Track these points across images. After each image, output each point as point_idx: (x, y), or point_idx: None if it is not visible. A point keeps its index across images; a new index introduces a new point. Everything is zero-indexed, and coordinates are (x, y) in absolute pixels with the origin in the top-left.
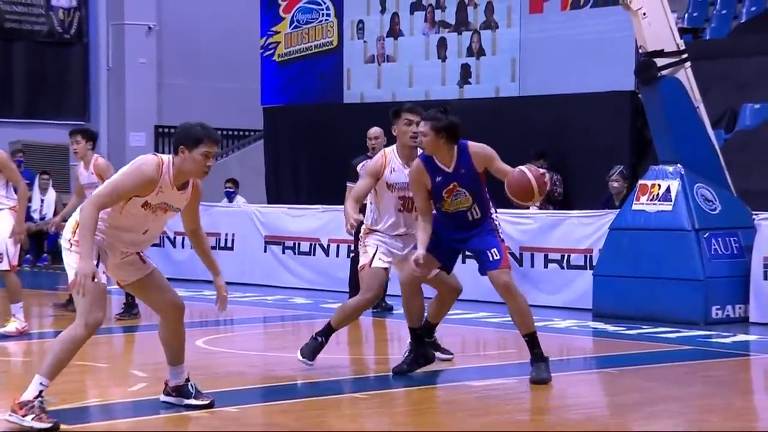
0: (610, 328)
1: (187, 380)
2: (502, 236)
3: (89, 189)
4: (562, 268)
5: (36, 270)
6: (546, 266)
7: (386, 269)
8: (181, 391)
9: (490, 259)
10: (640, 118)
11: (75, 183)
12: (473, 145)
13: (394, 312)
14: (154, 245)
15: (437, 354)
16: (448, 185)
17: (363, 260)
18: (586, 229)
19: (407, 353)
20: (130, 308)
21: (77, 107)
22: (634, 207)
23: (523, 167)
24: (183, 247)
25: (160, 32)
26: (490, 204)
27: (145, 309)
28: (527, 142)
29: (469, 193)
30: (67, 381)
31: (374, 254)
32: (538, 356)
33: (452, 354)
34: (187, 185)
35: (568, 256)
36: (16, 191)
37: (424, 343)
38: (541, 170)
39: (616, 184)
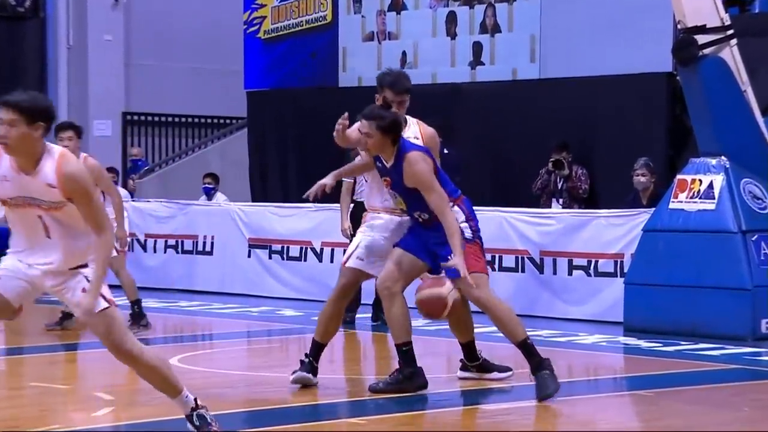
0: (643, 344)
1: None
2: (471, 236)
3: None
4: (589, 275)
5: None
6: (570, 273)
7: (362, 271)
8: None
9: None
10: (678, 104)
11: None
12: (410, 159)
13: None
14: None
15: (494, 374)
16: (384, 177)
17: (345, 255)
18: (616, 230)
19: (394, 372)
20: (140, 318)
21: (33, 90)
22: (672, 205)
23: (435, 289)
24: (155, 251)
25: (128, 5)
26: (446, 204)
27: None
28: (548, 131)
29: (400, 197)
30: (22, 405)
31: (353, 252)
32: (537, 364)
33: (510, 370)
34: (40, 166)
35: (596, 262)
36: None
37: (414, 364)
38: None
39: (642, 179)
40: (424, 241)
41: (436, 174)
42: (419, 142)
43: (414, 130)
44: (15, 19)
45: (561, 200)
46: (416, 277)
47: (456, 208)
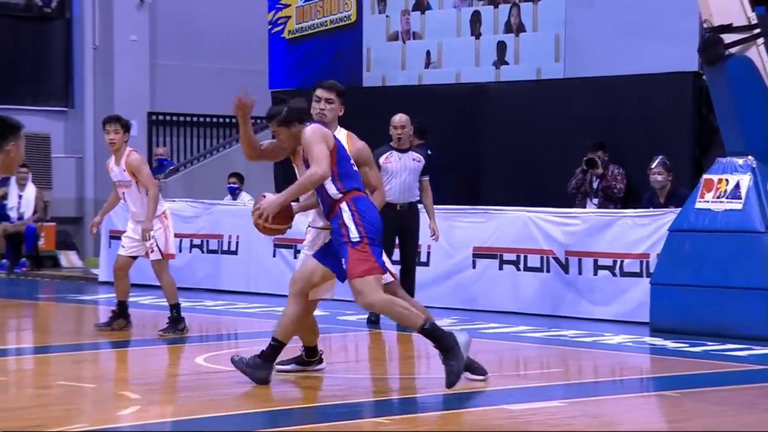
0: (669, 344)
1: None
2: (359, 238)
3: (120, 187)
4: (615, 275)
5: (14, 277)
6: (596, 273)
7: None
8: None
9: (344, 266)
10: (704, 104)
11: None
12: (303, 133)
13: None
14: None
15: (468, 375)
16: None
17: None
18: (642, 230)
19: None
20: (177, 322)
21: (59, 91)
22: (698, 205)
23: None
24: (180, 251)
25: (153, 6)
26: (333, 189)
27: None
28: (573, 131)
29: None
30: (50, 404)
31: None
32: (442, 349)
33: (486, 374)
34: None
35: (621, 262)
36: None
37: (272, 361)
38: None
39: (659, 178)
40: (332, 248)
41: (334, 160)
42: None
43: (340, 139)
44: (41, 20)
45: (596, 200)
46: (320, 282)
47: (343, 204)
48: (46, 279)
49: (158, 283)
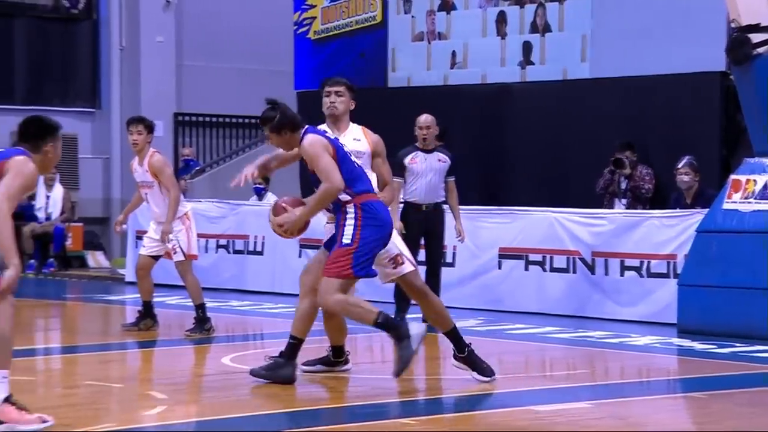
0: (697, 345)
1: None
2: (349, 241)
3: (143, 187)
4: (641, 276)
5: (41, 277)
6: (622, 274)
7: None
8: None
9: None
10: (731, 103)
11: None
12: (303, 144)
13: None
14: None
15: (476, 375)
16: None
17: None
18: (669, 231)
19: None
20: (203, 322)
21: (86, 92)
22: (726, 206)
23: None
24: (206, 251)
25: (179, 6)
26: (346, 200)
27: (161, 321)
28: (599, 131)
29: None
30: (77, 403)
31: None
32: (395, 338)
33: (494, 375)
34: None
35: (648, 263)
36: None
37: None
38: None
39: (686, 178)
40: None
41: (338, 163)
42: (362, 145)
43: (356, 134)
44: (69, 21)
45: (624, 200)
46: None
47: (351, 206)
48: (74, 279)
49: (184, 284)
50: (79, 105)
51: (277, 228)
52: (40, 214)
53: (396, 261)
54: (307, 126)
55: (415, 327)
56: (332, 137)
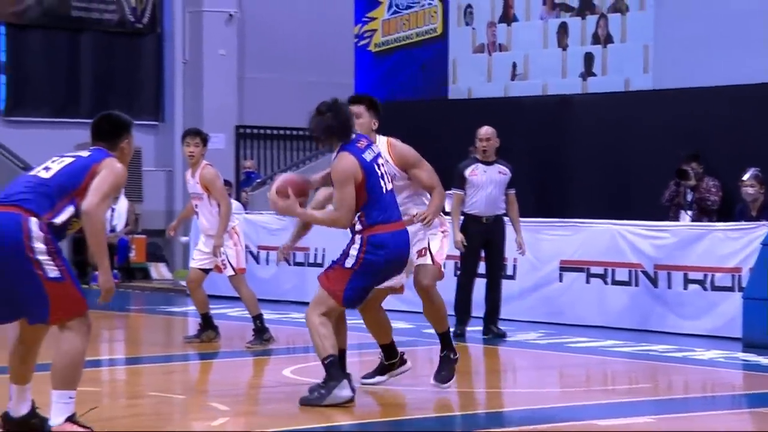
0: (762, 360)
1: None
2: (352, 264)
3: (193, 199)
4: (705, 289)
5: None
6: (686, 287)
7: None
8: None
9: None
10: None
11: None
12: (336, 163)
13: (507, 339)
14: None
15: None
16: None
17: None
18: (734, 244)
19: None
20: (262, 332)
21: (150, 105)
22: None
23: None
24: (267, 263)
25: (241, 20)
26: (356, 219)
27: (223, 333)
28: (662, 143)
29: None
30: (140, 414)
31: None
32: (324, 380)
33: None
34: None
35: (713, 276)
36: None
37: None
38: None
39: (750, 190)
40: None
41: (363, 193)
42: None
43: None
44: (134, 35)
45: (690, 212)
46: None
47: (358, 237)
48: (137, 291)
49: (239, 297)
50: (143, 118)
51: (270, 203)
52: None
53: (420, 252)
54: (342, 143)
55: (344, 391)
56: (368, 159)
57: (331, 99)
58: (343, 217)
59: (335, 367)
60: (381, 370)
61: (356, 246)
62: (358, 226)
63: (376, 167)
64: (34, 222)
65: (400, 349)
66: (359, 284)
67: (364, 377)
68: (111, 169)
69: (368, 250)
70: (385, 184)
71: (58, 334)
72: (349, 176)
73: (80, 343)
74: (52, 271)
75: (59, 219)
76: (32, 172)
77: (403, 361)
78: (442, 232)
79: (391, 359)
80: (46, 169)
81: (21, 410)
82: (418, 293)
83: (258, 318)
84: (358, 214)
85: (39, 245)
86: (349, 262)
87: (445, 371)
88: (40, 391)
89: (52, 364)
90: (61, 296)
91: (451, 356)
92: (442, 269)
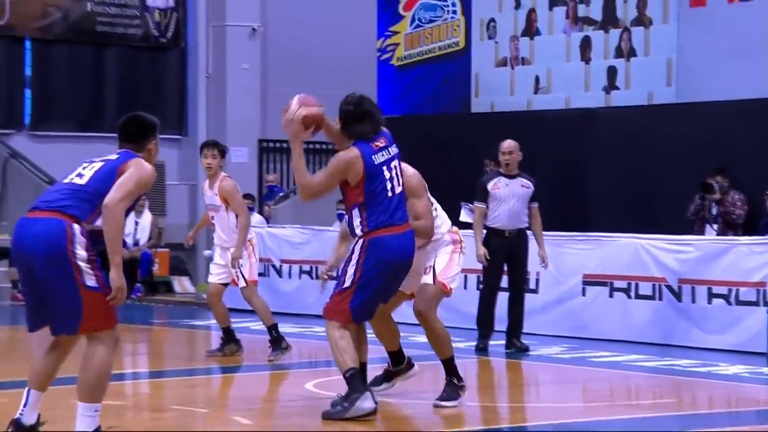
0: None
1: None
2: (348, 283)
3: (211, 211)
4: (730, 304)
5: (129, 302)
6: (710, 302)
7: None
8: None
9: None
10: None
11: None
12: (341, 153)
13: (530, 353)
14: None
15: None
16: None
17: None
18: (759, 258)
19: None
20: (279, 342)
21: (173, 119)
22: None
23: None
24: (290, 277)
25: (264, 34)
26: (357, 221)
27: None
28: (686, 157)
29: None
30: (164, 427)
31: None
32: (346, 393)
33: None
34: None
35: (737, 291)
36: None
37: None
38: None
39: None
40: None
41: (361, 190)
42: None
43: None
44: (157, 50)
45: (715, 226)
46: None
47: (359, 243)
48: (160, 304)
49: (252, 308)
50: (167, 132)
51: (288, 111)
52: (129, 240)
53: (425, 270)
54: (357, 141)
55: (366, 402)
56: (377, 161)
57: (359, 95)
58: (312, 187)
59: (356, 379)
60: (387, 376)
61: (356, 254)
62: (359, 230)
63: (385, 170)
64: (76, 228)
65: (408, 355)
66: (364, 296)
67: (370, 384)
68: (137, 167)
69: (369, 254)
70: (393, 186)
71: (85, 347)
72: (341, 169)
73: (107, 356)
74: (90, 280)
75: (99, 223)
76: (66, 180)
77: (410, 365)
78: (455, 248)
79: (398, 365)
80: (80, 175)
81: (31, 419)
82: (416, 318)
83: (273, 328)
84: (359, 216)
85: (81, 252)
86: (347, 282)
87: (447, 393)
88: (53, 406)
89: (78, 377)
90: (96, 306)
91: (455, 381)
92: (448, 287)
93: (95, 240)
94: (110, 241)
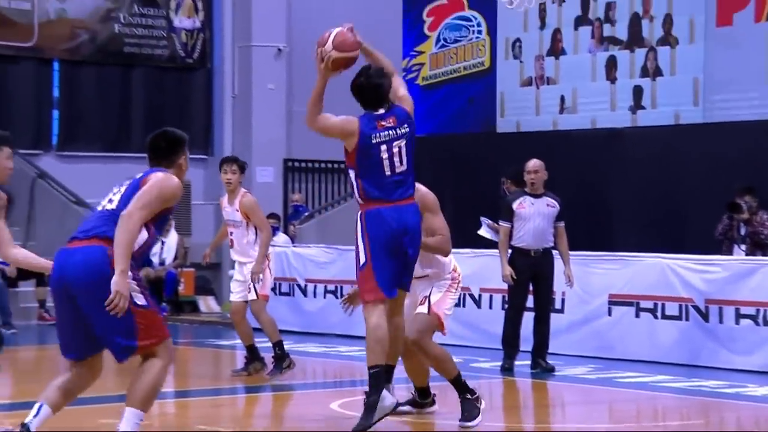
0: None
1: None
2: (363, 259)
3: (231, 226)
4: (758, 324)
5: None
6: (737, 322)
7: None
8: None
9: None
10: None
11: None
12: None
13: (556, 373)
14: (282, 293)
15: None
16: None
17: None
18: None
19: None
20: (282, 359)
21: (200, 139)
22: None
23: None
24: (315, 296)
25: (290, 54)
26: (354, 187)
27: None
28: (713, 176)
29: None
30: None
31: None
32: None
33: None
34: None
35: (765, 311)
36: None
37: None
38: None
39: None
40: None
41: (355, 152)
42: None
43: None
44: (184, 70)
45: (744, 246)
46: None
47: (358, 217)
48: (186, 324)
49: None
50: (193, 152)
51: (324, 39)
52: (155, 260)
53: (420, 301)
54: (364, 114)
55: (386, 401)
56: (374, 140)
57: (374, 68)
58: (315, 123)
59: (378, 378)
60: (413, 403)
61: (360, 232)
62: (357, 196)
63: (383, 149)
64: None
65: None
66: (383, 266)
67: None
68: (156, 180)
69: (368, 227)
70: (393, 165)
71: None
72: (339, 131)
73: (164, 368)
74: (138, 298)
75: (136, 245)
76: (99, 207)
77: (433, 402)
78: (451, 285)
79: (424, 400)
80: (110, 201)
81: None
82: (412, 348)
83: (278, 345)
84: (355, 182)
85: None
86: (362, 259)
87: (467, 411)
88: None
89: (131, 383)
90: (148, 323)
91: (468, 396)
92: (442, 320)
93: (135, 260)
94: (118, 245)
